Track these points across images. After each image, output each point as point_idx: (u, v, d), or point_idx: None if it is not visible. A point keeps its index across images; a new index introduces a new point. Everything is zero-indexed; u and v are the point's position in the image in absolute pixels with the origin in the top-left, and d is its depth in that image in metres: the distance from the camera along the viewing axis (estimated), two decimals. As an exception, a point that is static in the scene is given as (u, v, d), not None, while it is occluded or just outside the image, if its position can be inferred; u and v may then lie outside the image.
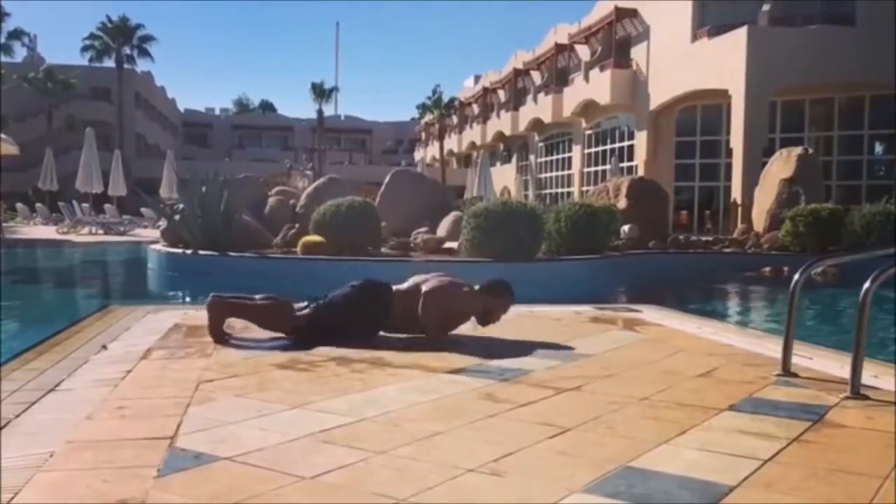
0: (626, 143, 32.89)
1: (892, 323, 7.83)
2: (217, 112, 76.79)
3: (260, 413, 2.72)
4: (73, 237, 23.27)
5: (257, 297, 4.37)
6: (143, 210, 29.94)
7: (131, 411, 2.74)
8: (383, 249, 12.14)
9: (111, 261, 17.53)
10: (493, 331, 4.61)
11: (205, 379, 3.25)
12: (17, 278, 12.24)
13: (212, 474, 2.09)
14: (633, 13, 31.83)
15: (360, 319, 4.27)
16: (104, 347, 3.98)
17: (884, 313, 8.14)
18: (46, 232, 25.89)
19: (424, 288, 4.32)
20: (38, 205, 33.17)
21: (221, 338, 4.19)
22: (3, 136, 19.15)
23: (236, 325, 4.75)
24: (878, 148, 27.30)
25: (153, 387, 3.14)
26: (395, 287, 4.42)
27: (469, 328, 4.50)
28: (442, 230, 15.13)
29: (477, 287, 4.48)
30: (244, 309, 4.33)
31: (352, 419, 2.66)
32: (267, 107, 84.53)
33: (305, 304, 4.33)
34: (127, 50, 49.94)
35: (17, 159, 29.93)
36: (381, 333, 4.37)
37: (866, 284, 3.03)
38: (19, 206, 34.09)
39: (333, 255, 10.63)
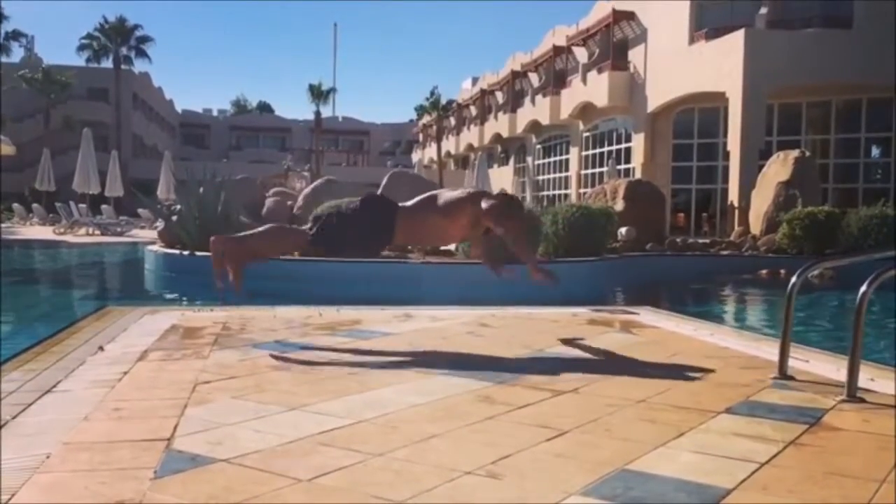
0: (623, 146, 32.93)
1: (890, 325, 7.85)
2: (215, 113, 76.75)
3: (257, 415, 2.72)
4: (69, 238, 23.25)
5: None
6: (140, 211, 29.96)
7: (128, 413, 2.74)
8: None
9: (108, 262, 17.50)
10: (490, 333, 4.62)
11: (202, 380, 3.25)
12: (13, 279, 12.22)
13: (209, 476, 2.08)
14: (630, 15, 31.88)
15: (364, 230, 4.31)
16: (101, 349, 3.97)
17: (881, 315, 8.16)
18: (43, 232, 25.86)
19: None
20: (35, 205, 33.16)
21: (225, 279, 4.17)
22: (0, 136, 19.14)
23: (233, 326, 4.75)
24: (875, 151, 27.35)
25: (150, 388, 3.13)
26: (400, 204, 4.46)
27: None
28: (439, 232, 15.12)
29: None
30: (251, 239, 4.33)
31: (349, 421, 2.66)
32: (264, 108, 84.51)
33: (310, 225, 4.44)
34: (124, 51, 49.91)
35: (15, 159, 29.92)
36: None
37: (863, 287, 3.03)
38: (16, 206, 34.05)
39: (330, 257, 10.61)
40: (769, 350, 4.07)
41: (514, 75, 43.73)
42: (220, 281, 4.18)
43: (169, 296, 11.07)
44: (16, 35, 48.97)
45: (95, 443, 2.37)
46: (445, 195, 4.46)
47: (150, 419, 2.65)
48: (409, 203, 4.46)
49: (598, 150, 35.31)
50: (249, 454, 2.26)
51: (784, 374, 3.50)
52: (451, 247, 12.53)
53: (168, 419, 2.63)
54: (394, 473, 2.13)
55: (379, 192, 16.97)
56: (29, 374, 3.36)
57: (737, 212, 23.34)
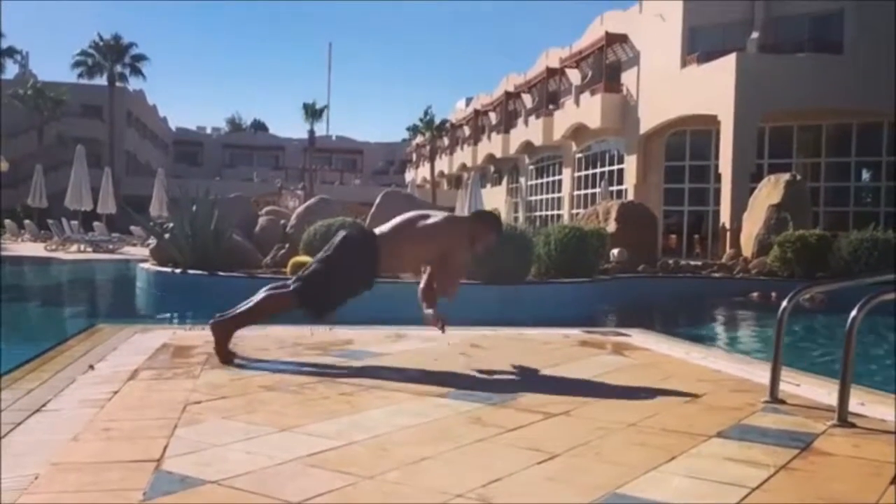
0: (615, 167, 33.08)
1: (880, 349, 7.87)
2: (208, 131, 76.77)
3: (247, 435, 2.71)
4: (61, 254, 23.14)
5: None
6: (132, 228, 29.89)
7: (118, 433, 2.72)
8: (373, 270, 12.10)
9: (99, 279, 17.44)
10: (482, 354, 4.61)
11: (192, 400, 3.24)
12: (3, 296, 12.15)
13: (198, 498, 2.07)
14: (623, 38, 32.14)
15: (356, 273, 4.32)
16: (91, 367, 3.95)
17: (871, 339, 8.18)
18: (35, 249, 25.73)
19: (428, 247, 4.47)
20: (27, 221, 33.07)
21: (229, 359, 4.16)
22: (-7, 152, 19.11)
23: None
24: (865, 175, 27.54)
25: (140, 408, 3.12)
26: (376, 231, 4.48)
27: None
28: (432, 252, 15.10)
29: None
30: (242, 317, 4.31)
31: (340, 443, 2.65)
32: (258, 126, 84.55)
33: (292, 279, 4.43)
34: (119, 68, 49.94)
35: (7, 175, 29.87)
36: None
37: (853, 313, 3.04)
38: (8, 222, 33.92)
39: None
40: (760, 373, 4.08)
41: (508, 96, 43.97)
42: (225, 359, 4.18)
43: (160, 314, 11.02)
44: (10, 52, 49.00)
45: (84, 463, 2.36)
46: (420, 223, 4.47)
47: (139, 440, 2.63)
48: (385, 228, 4.48)
49: (590, 172, 35.45)
50: (239, 476, 2.25)
51: (775, 398, 3.50)
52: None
53: (158, 440, 2.61)
54: (384, 496, 2.12)
55: (372, 211, 16.98)
56: (18, 392, 3.34)
57: (728, 234, 23.42)
